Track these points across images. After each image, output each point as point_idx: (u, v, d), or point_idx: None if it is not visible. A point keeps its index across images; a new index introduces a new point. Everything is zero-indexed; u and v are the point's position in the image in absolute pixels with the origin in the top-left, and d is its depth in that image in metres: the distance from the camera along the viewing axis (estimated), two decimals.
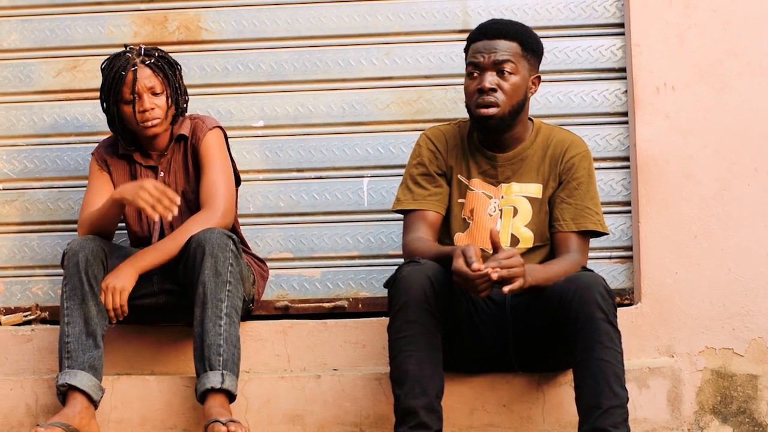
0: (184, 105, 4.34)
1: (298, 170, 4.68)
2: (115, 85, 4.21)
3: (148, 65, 4.22)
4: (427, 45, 4.66)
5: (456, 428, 4.02)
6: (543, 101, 4.58)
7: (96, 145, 4.45)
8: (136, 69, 4.20)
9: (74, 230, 4.64)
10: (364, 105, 4.67)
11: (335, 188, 4.66)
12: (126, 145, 4.33)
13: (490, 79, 3.86)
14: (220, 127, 4.32)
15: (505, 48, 3.87)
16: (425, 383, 3.60)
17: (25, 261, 4.71)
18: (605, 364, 3.52)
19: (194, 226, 4.10)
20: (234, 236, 4.03)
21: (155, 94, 4.22)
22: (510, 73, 3.87)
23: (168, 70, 4.27)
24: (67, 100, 4.74)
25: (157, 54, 4.27)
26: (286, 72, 4.70)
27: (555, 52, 4.59)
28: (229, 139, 4.37)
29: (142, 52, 4.24)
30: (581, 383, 3.56)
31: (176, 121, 4.32)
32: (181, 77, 4.34)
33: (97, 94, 4.61)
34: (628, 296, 4.50)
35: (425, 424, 3.58)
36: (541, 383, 4.02)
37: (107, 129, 4.52)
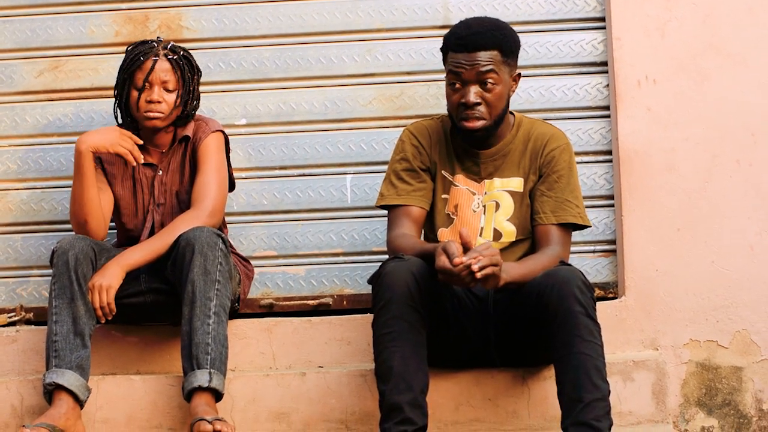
0: (193, 111, 4.33)
1: (281, 168, 4.68)
2: (131, 68, 4.22)
3: (169, 59, 4.24)
4: (409, 41, 4.66)
5: (441, 424, 4.02)
6: (525, 96, 4.58)
7: None
8: (156, 59, 4.21)
9: (58, 230, 4.67)
10: (347, 102, 4.67)
11: (318, 185, 4.66)
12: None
13: (474, 91, 3.85)
14: (223, 132, 4.33)
15: (487, 59, 3.84)
16: (410, 379, 3.60)
17: (9, 262, 4.69)
18: (586, 357, 3.52)
19: (182, 224, 4.10)
20: (223, 235, 4.03)
21: (167, 89, 4.22)
22: (493, 84, 3.85)
23: (187, 71, 4.28)
24: (49, 100, 4.73)
25: (181, 53, 4.29)
26: (268, 70, 4.70)
27: (536, 47, 4.59)
28: (230, 144, 4.39)
29: (168, 47, 4.26)
30: (562, 377, 3.56)
31: (181, 123, 4.31)
32: (198, 83, 4.34)
33: (79, 94, 4.68)
34: (612, 290, 4.51)
35: (410, 420, 3.58)
36: (525, 378, 4.02)
37: (90, 129, 4.54)
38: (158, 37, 4.33)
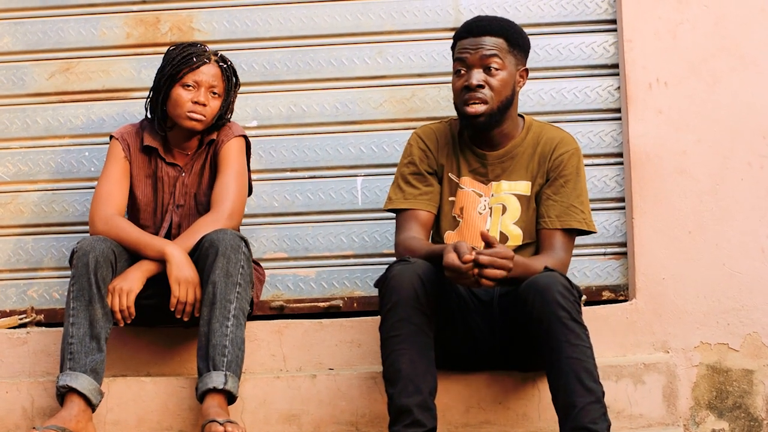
0: (225, 122, 4.33)
1: (292, 170, 4.68)
2: (180, 64, 4.22)
3: (219, 66, 4.26)
4: (420, 43, 4.66)
5: (452, 426, 4.02)
6: (536, 98, 4.58)
7: (94, 141, 4.50)
8: (208, 62, 4.23)
9: (70, 232, 4.67)
10: (357, 104, 4.67)
11: (329, 188, 4.66)
12: (159, 131, 4.29)
13: (478, 76, 3.86)
14: (245, 137, 4.33)
15: (491, 44, 3.87)
16: (418, 381, 3.59)
17: (20, 264, 4.70)
18: (575, 361, 3.50)
19: (202, 227, 4.10)
20: (246, 239, 4.02)
21: (214, 94, 4.24)
22: (497, 69, 3.86)
23: (232, 82, 4.30)
24: (60, 102, 4.73)
25: (230, 64, 4.31)
26: (279, 72, 4.71)
27: (547, 49, 4.59)
28: (251, 149, 4.40)
29: (218, 55, 4.29)
30: (555, 384, 3.54)
31: (211, 131, 4.32)
32: (236, 96, 4.35)
33: (91, 96, 4.68)
34: (622, 292, 4.50)
35: (419, 422, 3.57)
36: (536, 380, 4.01)
37: (101, 131, 4.60)
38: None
